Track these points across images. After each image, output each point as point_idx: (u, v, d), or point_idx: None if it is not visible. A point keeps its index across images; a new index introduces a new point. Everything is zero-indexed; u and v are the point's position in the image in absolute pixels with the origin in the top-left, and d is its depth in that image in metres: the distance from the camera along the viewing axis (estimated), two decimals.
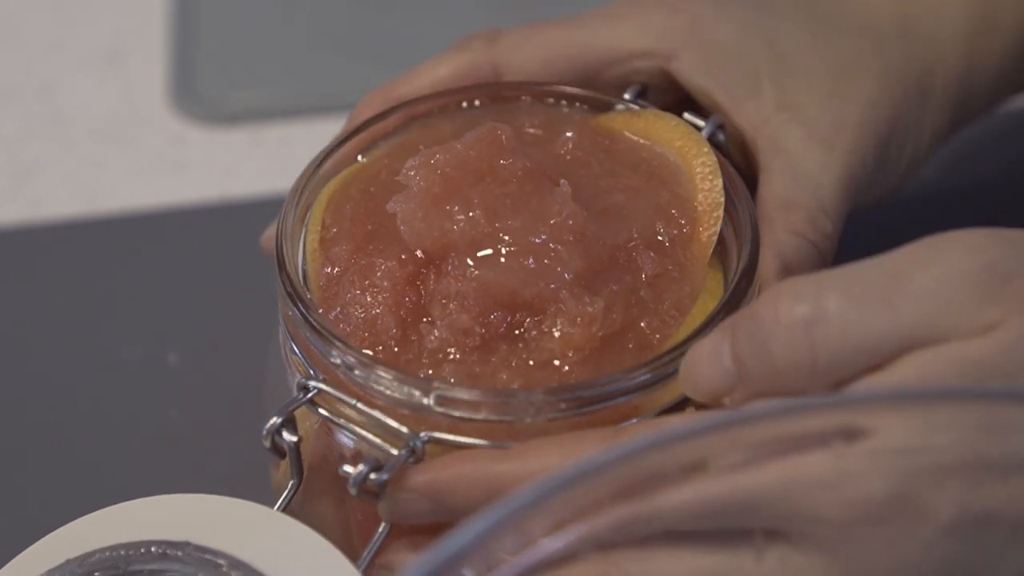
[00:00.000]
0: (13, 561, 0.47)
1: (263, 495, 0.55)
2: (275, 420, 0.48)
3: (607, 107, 0.54)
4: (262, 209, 0.56)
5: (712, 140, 0.53)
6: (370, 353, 0.48)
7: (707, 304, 0.49)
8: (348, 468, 0.47)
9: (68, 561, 0.46)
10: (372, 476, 0.46)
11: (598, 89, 0.55)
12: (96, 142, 0.76)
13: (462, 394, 0.46)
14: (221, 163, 0.74)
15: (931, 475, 0.39)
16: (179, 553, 0.46)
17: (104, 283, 0.68)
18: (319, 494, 0.50)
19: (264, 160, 0.74)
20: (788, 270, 0.51)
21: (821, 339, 0.43)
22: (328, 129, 0.59)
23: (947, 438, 0.39)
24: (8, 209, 0.72)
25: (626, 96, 0.55)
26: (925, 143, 0.57)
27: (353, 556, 0.47)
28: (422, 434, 0.47)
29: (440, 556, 0.36)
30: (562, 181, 0.49)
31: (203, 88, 0.77)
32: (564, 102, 0.55)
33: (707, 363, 0.45)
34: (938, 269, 0.43)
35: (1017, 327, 0.42)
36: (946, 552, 0.40)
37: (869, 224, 0.54)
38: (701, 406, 0.46)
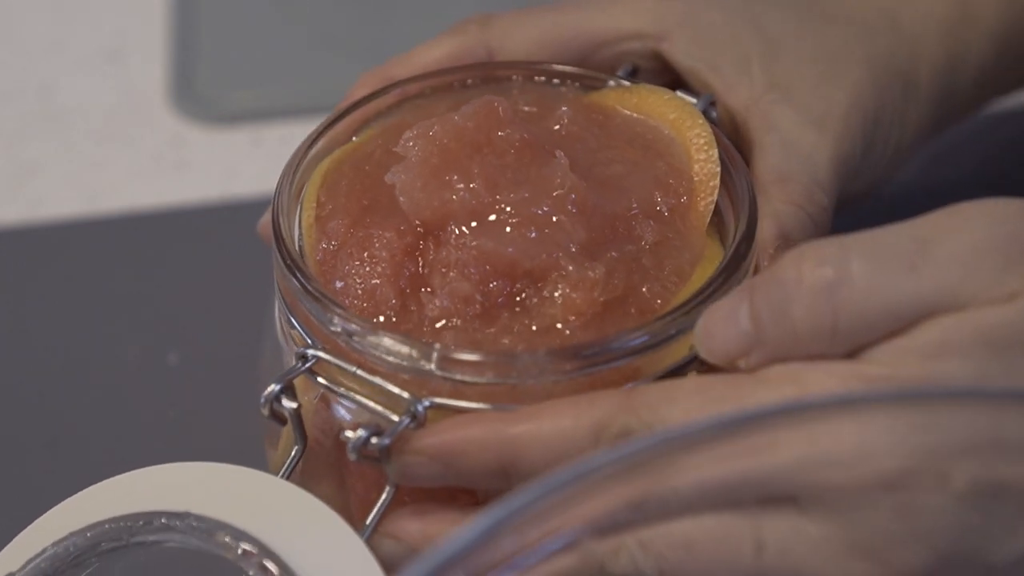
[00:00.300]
0: (17, 537, 0.47)
1: None
2: (274, 387, 0.48)
3: (599, 84, 0.55)
4: (262, 209, 0.56)
5: (704, 115, 0.53)
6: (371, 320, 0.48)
7: (706, 271, 0.49)
8: (348, 433, 0.47)
9: (72, 533, 0.46)
10: (373, 440, 0.46)
11: (590, 69, 0.55)
12: (96, 142, 0.76)
13: (464, 356, 0.46)
14: (221, 163, 0.74)
15: (947, 450, 0.39)
16: (178, 523, 0.46)
17: (104, 283, 0.68)
18: (317, 473, 0.50)
19: (264, 160, 0.74)
20: (786, 239, 0.51)
21: (843, 302, 0.43)
22: None
23: (963, 422, 0.39)
24: (8, 209, 0.72)
25: (618, 74, 0.56)
26: (908, 137, 0.57)
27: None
28: (424, 399, 0.47)
29: (440, 556, 0.36)
30: (558, 152, 0.50)
31: (203, 88, 0.77)
32: (556, 80, 0.55)
33: (723, 325, 0.45)
34: (962, 236, 0.43)
35: None
36: (960, 519, 0.40)
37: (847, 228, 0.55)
38: (710, 369, 0.46)
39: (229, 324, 0.64)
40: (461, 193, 0.48)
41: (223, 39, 0.80)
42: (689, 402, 0.44)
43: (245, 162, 0.74)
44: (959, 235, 0.43)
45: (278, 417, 0.48)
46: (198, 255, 0.69)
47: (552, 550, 0.38)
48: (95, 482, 0.58)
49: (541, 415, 0.46)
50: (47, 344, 0.65)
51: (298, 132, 0.75)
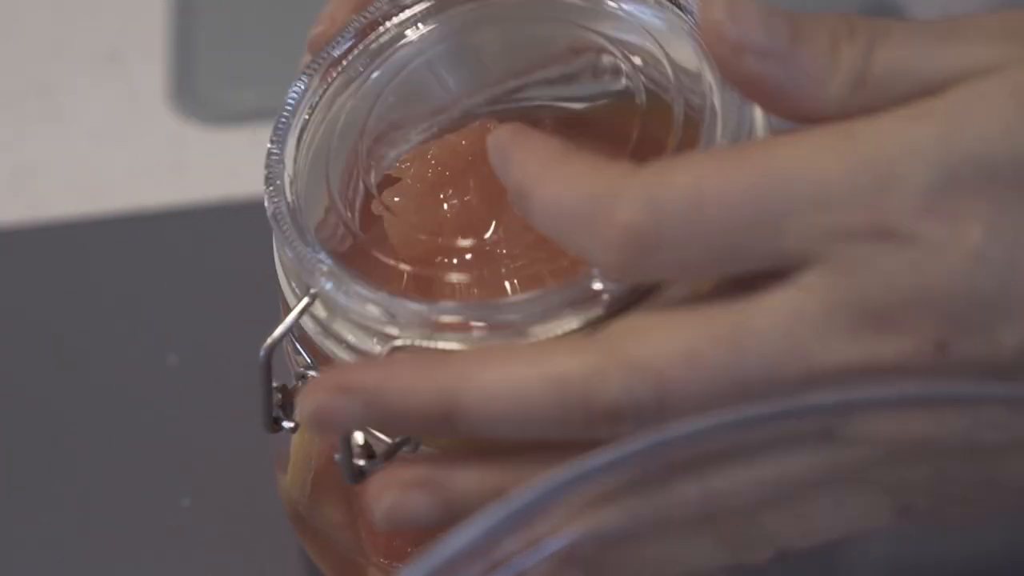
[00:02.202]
0: None
1: (263, 496, 0.55)
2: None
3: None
4: (262, 209, 0.56)
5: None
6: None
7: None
8: (338, 456, 0.47)
9: None
10: (363, 463, 0.47)
11: None
12: (96, 142, 0.76)
13: None
14: (221, 163, 0.74)
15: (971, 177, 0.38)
16: None
17: (104, 283, 0.68)
18: (327, 497, 0.51)
19: (264, 160, 0.74)
20: None
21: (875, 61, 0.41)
22: None
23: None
24: (8, 209, 0.72)
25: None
26: None
27: (363, 557, 0.47)
28: None
29: (439, 557, 0.36)
30: None
31: (203, 88, 0.77)
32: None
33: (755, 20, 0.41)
34: (990, 18, 0.41)
35: None
36: (972, 282, 0.38)
37: None
38: None
39: (229, 325, 0.64)
40: (456, 208, 0.49)
41: (223, 39, 0.80)
42: (680, 331, 0.40)
43: (245, 162, 0.74)
44: (986, 17, 0.41)
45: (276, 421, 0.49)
46: (198, 255, 0.69)
47: (552, 550, 0.38)
48: (93, 484, 0.58)
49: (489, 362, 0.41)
50: (47, 344, 0.65)
51: None
